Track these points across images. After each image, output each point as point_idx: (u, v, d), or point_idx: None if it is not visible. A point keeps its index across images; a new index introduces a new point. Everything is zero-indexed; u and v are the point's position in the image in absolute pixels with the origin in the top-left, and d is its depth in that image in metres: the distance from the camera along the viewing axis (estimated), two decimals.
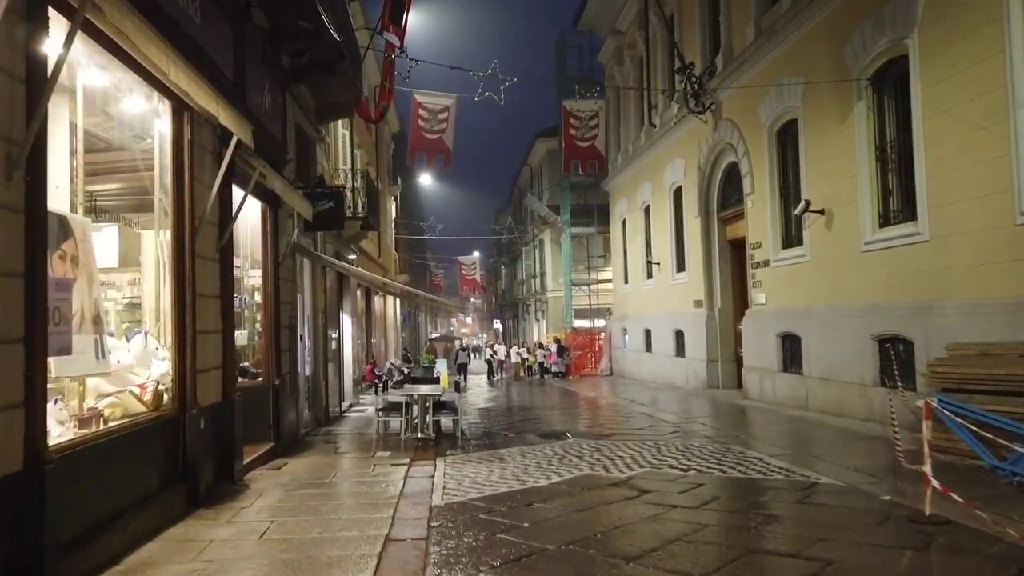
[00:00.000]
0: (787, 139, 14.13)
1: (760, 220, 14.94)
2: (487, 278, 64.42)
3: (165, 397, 6.39)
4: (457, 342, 45.74)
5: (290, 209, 10.67)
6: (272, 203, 9.87)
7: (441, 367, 25.34)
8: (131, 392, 6.07)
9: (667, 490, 7.21)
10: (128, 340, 6.53)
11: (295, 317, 11.26)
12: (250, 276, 10.35)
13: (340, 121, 18.22)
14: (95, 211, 6.94)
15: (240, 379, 9.51)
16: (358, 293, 22.84)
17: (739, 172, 16.35)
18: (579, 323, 31.17)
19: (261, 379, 9.67)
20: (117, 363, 6.03)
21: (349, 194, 17.66)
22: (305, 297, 12.87)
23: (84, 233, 5.29)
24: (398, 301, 36.11)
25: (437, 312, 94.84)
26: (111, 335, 6.14)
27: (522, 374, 30.80)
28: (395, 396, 12.04)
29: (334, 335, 15.51)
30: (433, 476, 8.17)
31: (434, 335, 69.15)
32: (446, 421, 12.29)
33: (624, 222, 26.07)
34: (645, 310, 23.46)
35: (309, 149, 13.11)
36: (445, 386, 22.93)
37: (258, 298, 10.14)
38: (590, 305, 30.74)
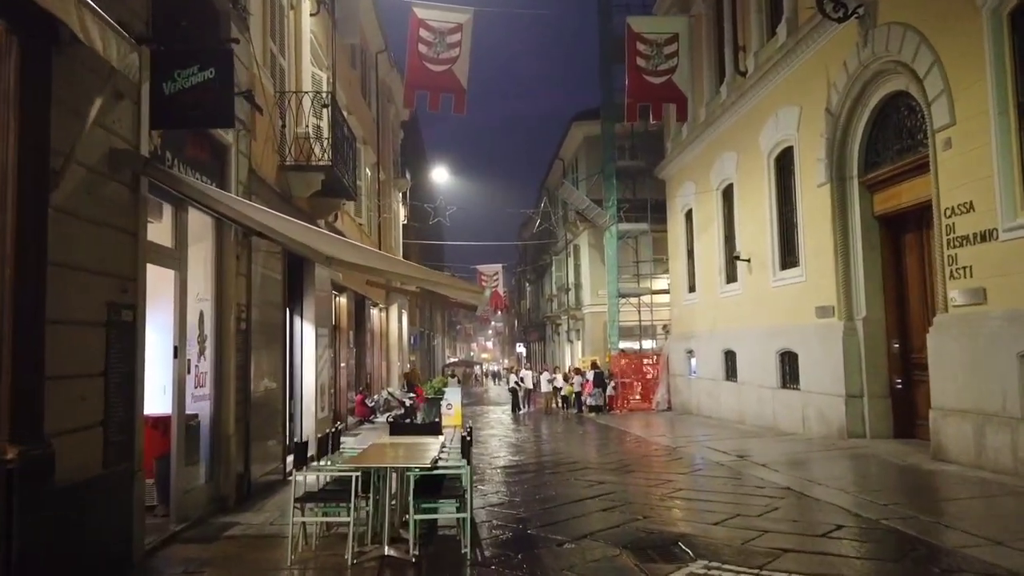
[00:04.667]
0: None
1: (971, 167, 9.03)
2: (510, 297, 58.45)
3: None
4: (447, 369, 39.84)
5: (106, 70, 4.95)
6: (23, 24, 4.21)
7: (453, 398, 19.43)
8: None
9: None
10: None
11: (136, 309, 5.55)
12: None
13: (308, 52, 12.68)
14: None
15: None
16: (342, 300, 17.09)
17: (908, 105, 10.55)
18: (624, 344, 25.08)
19: None
20: None
21: (319, 149, 11.96)
22: (195, 279, 7.18)
23: None
24: (405, 317, 30.46)
25: (456, 335, 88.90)
26: None
27: (554, 406, 24.97)
28: (344, 467, 6.20)
29: (274, 352, 9.74)
30: None
31: (452, 359, 63.29)
32: (447, 507, 6.41)
33: (689, 213, 20.21)
34: (724, 324, 17.49)
35: (207, 18, 7.49)
36: (458, 423, 16.65)
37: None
38: (640, 322, 24.67)
